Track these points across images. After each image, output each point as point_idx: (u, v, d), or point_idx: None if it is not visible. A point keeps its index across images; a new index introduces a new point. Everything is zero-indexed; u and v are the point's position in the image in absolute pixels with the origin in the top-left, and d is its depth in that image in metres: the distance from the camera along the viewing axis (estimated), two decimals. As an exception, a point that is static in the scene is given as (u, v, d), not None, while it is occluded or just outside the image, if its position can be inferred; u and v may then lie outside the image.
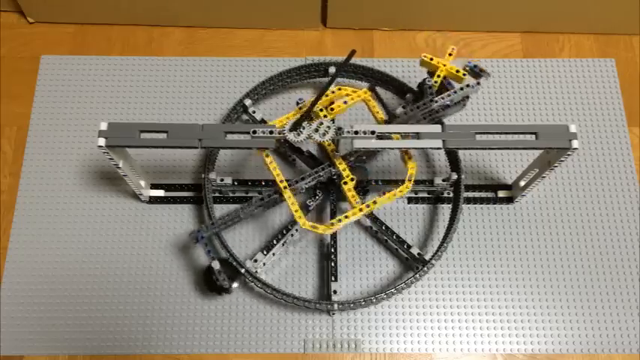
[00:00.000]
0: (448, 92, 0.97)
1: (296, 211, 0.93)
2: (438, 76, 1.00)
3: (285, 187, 0.94)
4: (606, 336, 1.07)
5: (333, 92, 1.00)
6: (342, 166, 0.96)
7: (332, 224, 0.92)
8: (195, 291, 1.09)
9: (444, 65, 1.01)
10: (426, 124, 0.97)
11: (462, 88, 0.97)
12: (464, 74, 1.00)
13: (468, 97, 1.00)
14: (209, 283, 1.02)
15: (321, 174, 0.99)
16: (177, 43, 1.30)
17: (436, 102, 0.97)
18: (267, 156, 0.94)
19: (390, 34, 1.32)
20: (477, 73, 1.01)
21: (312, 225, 0.93)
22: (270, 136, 0.89)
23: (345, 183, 0.94)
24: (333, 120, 0.96)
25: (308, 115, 0.91)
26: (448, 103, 0.97)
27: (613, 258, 1.12)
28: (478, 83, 0.97)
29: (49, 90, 1.24)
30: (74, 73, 1.26)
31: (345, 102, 0.99)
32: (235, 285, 1.00)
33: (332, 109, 0.98)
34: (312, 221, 0.96)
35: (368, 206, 0.92)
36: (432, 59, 1.01)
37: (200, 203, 1.14)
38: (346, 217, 0.92)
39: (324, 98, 0.99)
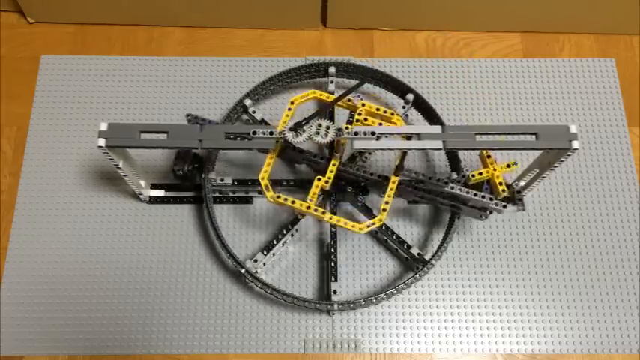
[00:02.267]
0: (475, 193, 0.96)
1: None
2: (483, 177, 0.98)
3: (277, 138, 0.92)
4: (606, 336, 1.07)
5: (378, 110, 0.96)
6: (332, 167, 0.95)
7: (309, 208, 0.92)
8: (194, 291, 1.09)
9: (495, 170, 0.97)
10: (428, 126, 0.97)
11: (484, 197, 0.96)
12: (503, 190, 0.97)
13: (485, 210, 1.00)
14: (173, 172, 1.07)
15: (316, 159, 1.01)
16: (177, 43, 1.30)
17: (458, 188, 0.96)
18: (276, 197, 0.94)
19: (390, 34, 1.32)
20: (516, 201, 1.01)
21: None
22: (270, 138, 0.89)
23: (319, 179, 0.94)
24: (333, 120, 0.95)
25: (310, 119, 0.91)
26: (464, 195, 0.96)
27: (613, 258, 1.12)
28: (505, 206, 0.96)
29: (49, 90, 1.24)
30: (74, 73, 1.26)
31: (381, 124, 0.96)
32: (198, 177, 1.05)
33: (365, 120, 0.96)
34: (312, 221, 0.96)
35: (323, 213, 0.92)
36: (489, 156, 0.98)
37: (200, 203, 1.14)
38: (308, 207, 0.92)
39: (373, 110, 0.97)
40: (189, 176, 1.05)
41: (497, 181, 0.97)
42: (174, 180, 1.10)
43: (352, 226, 0.92)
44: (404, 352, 1.06)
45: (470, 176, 0.98)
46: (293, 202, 0.92)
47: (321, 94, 0.98)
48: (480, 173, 0.98)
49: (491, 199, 0.96)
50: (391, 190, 0.95)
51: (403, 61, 1.28)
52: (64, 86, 1.25)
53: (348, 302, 0.99)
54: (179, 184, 1.11)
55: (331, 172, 0.95)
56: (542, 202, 1.16)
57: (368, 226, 0.92)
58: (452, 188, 0.96)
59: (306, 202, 0.92)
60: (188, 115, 1.03)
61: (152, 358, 1.05)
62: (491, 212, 1.00)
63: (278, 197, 0.93)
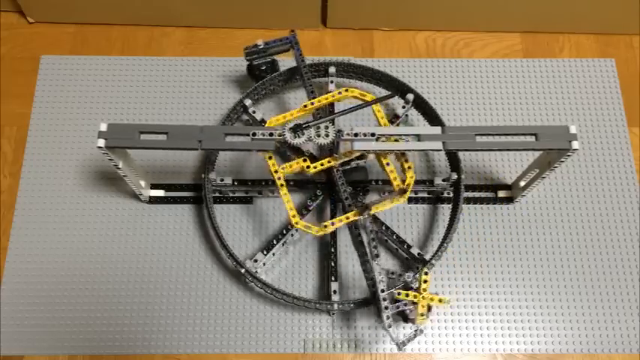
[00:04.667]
0: (384, 297, 0.87)
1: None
2: (422, 315, 0.87)
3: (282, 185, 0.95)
4: (606, 336, 1.07)
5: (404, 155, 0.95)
6: (326, 162, 0.96)
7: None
8: (194, 291, 1.09)
9: (423, 298, 0.87)
10: (427, 127, 0.97)
11: (387, 307, 0.87)
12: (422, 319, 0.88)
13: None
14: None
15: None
16: (177, 43, 1.30)
17: (381, 279, 0.88)
18: (270, 158, 0.95)
19: (390, 34, 1.32)
20: (404, 341, 0.90)
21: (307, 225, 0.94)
22: (269, 139, 0.89)
23: (305, 160, 0.96)
24: (333, 122, 0.95)
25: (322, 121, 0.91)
26: (376, 285, 0.88)
27: (613, 258, 1.12)
28: (389, 326, 0.87)
29: (49, 90, 1.24)
30: (74, 73, 1.26)
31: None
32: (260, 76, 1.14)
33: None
34: (312, 222, 0.96)
35: (282, 185, 0.94)
36: (407, 295, 0.87)
37: (200, 203, 1.14)
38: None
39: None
40: (255, 70, 1.15)
41: (419, 312, 0.87)
42: (246, 59, 1.14)
43: (293, 216, 0.94)
44: (404, 352, 1.06)
45: (401, 289, 0.88)
46: (270, 158, 0.94)
47: (376, 102, 1.00)
48: (407, 294, 0.87)
49: (387, 317, 0.87)
50: (347, 218, 0.94)
51: (403, 61, 1.28)
52: (64, 86, 1.24)
53: (348, 302, 0.99)
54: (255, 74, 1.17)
55: (322, 164, 0.96)
56: (542, 202, 1.16)
57: (304, 227, 0.93)
58: (380, 273, 0.89)
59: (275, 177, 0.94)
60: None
61: (152, 358, 1.05)
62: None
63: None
